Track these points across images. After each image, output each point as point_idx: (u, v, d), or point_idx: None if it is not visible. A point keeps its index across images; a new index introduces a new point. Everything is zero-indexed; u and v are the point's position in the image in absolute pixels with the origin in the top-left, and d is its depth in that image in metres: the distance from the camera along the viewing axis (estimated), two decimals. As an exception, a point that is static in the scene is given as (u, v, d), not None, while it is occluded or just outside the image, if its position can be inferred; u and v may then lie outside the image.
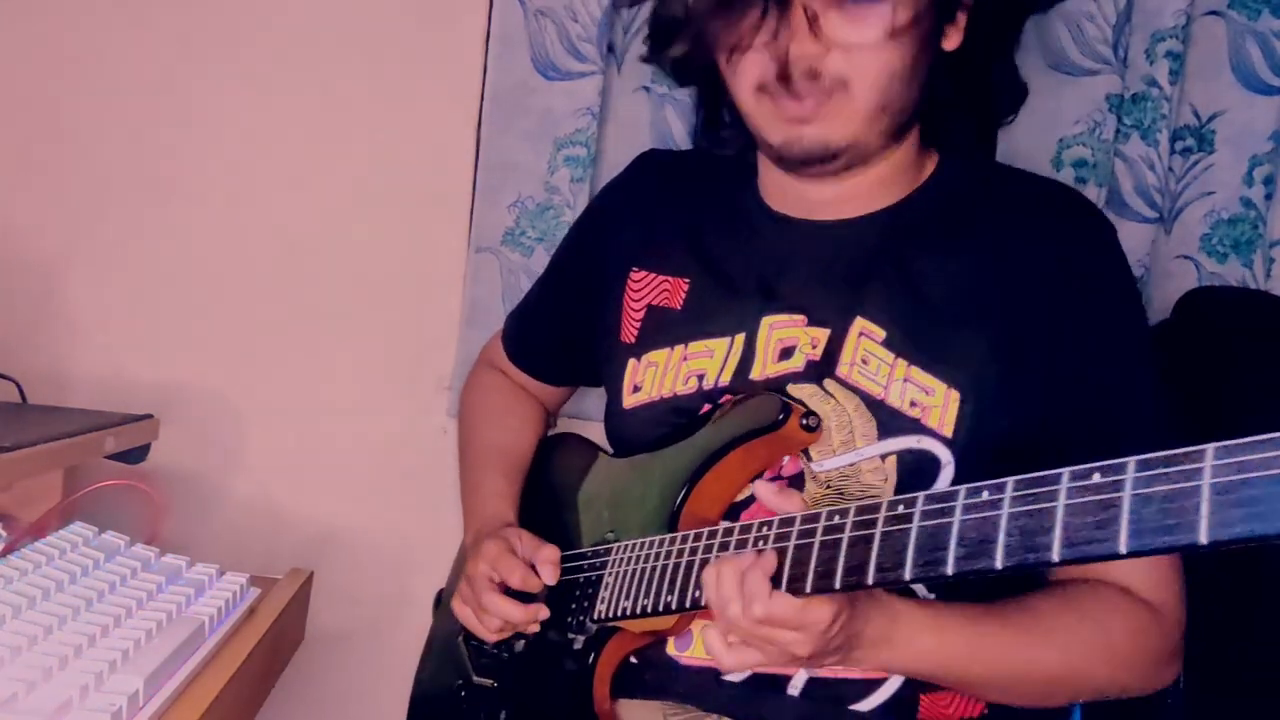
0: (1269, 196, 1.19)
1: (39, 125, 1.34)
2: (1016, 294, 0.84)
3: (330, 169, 1.34)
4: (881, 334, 0.85)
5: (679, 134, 1.25)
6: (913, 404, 0.83)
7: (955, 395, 0.82)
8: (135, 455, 1.19)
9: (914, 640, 0.75)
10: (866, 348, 0.85)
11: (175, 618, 0.83)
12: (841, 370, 0.85)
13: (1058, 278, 0.84)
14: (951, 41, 0.86)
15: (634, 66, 1.27)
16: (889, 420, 0.83)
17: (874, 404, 0.83)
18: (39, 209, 1.34)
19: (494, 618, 0.89)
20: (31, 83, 1.33)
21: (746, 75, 0.83)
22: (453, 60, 1.31)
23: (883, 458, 0.83)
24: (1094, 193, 1.22)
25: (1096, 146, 1.22)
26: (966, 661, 0.77)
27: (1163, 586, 0.82)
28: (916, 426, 0.82)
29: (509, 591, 0.89)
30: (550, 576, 0.88)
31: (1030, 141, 1.21)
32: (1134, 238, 1.19)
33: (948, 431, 0.82)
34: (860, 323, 0.86)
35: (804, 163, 0.85)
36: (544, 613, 0.88)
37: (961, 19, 0.85)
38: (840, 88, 0.80)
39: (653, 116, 1.27)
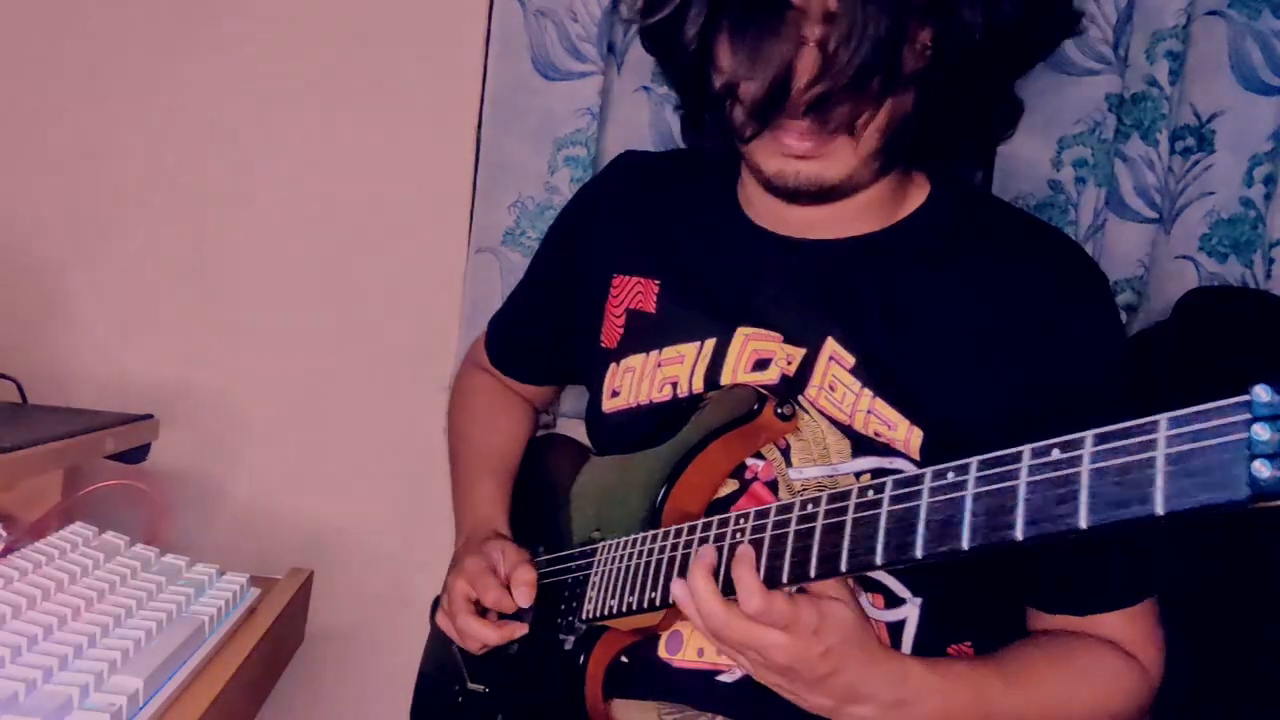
0: (1269, 196, 1.19)
1: (40, 126, 1.34)
2: (997, 338, 0.82)
3: (330, 169, 1.34)
4: (850, 360, 0.84)
5: (679, 134, 1.24)
6: (877, 434, 0.83)
7: (918, 432, 0.81)
8: (135, 455, 1.20)
9: (926, 702, 0.74)
10: (834, 373, 0.84)
11: (175, 618, 0.83)
12: (810, 393, 0.85)
13: (1046, 330, 0.82)
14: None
15: (634, 66, 1.27)
16: (859, 440, 0.83)
17: (843, 427, 0.84)
18: (40, 209, 1.34)
19: (469, 639, 0.90)
20: (33, 83, 1.33)
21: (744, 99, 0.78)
22: (453, 60, 1.31)
23: (857, 475, 0.83)
24: (1094, 193, 1.22)
25: (1096, 146, 1.22)
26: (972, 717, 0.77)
27: (1148, 641, 0.83)
28: (887, 449, 0.83)
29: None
30: (524, 599, 0.88)
31: (1030, 141, 1.21)
32: (1134, 238, 1.20)
33: (915, 455, 0.82)
34: (831, 344, 0.85)
35: (794, 195, 0.82)
36: (520, 631, 0.88)
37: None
38: (845, 130, 0.77)
39: (653, 116, 1.27)
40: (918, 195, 0.90)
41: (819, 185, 0.81)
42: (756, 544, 0.70)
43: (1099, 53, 1.20)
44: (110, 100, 1.33)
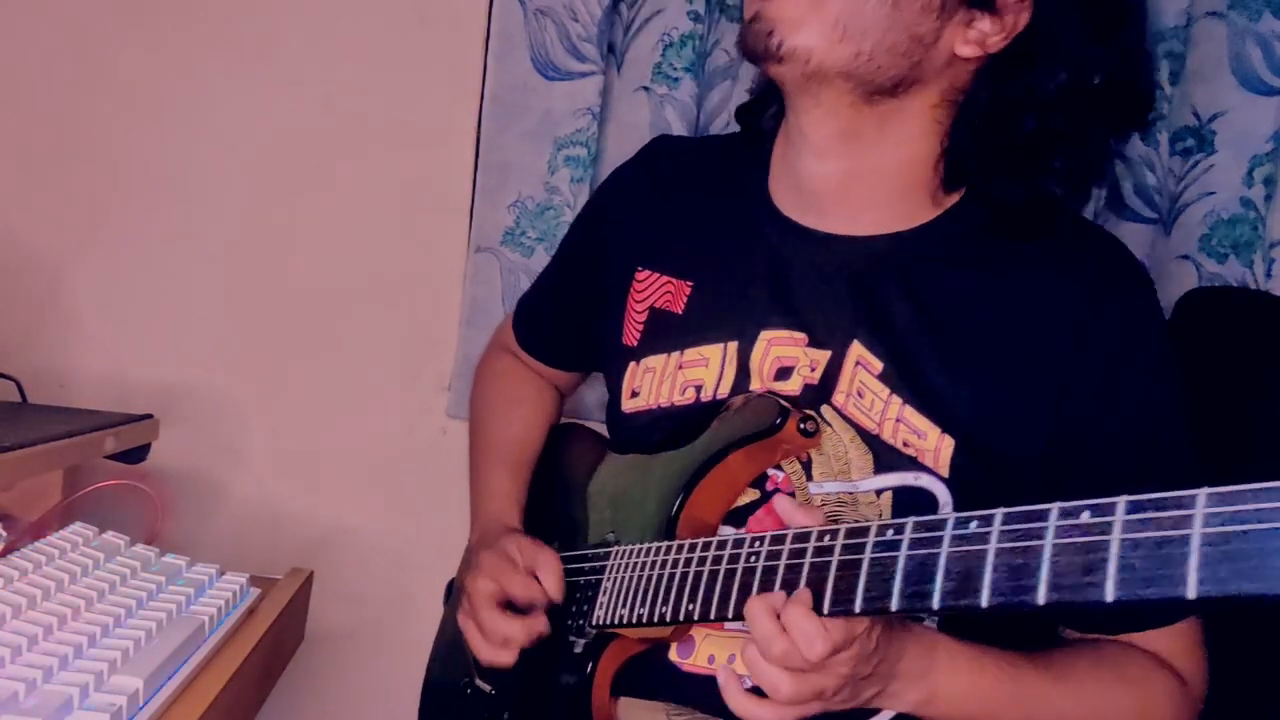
0: (1269, 197, 1.19)
1: (40, 125, 1.34)
2: (1033, 341, 0.79)
3: (331, 169, 1.34)
4: (878, 366, 0.81)
5: (678, 134, 1.25)
6: (905, 444, 0.80)
7: (949, 440, 0.78)
8: (135, 455, 1.19)
9: (953, 678, 0.72)
10: (862, 379, 0.82)
11: (175, 618, 0.83)
12: (837, 399, 0.82)
13: (1084, 333, 0.79)
14: (975, 44, 0.77)
15: (634, 66, 1.27)
16: (885, 455, 0.80)
17: (869, 438, 0.81)
18: (40, 209, 1.34)
19: (493, 636, 0.88)
20: (33, 83, 1.33)
21: None
22: (453, 60, 1.31)
23: (878, 493, 0.81)
24: (1094, 193, 1.22)
25: (1096, 147, 1.22)
26: (1003, 704, 0.74)
27: (1191, 656, 0.80)
28: (914, 464, 0.80)
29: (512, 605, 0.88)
30: (555, 589, 0.86)
31: (1030, 142, 1.21)
32: (1134, 238, 1.19)
33: (944, 472, 0.79)
34: (857, 348, 0.82)
35: (753, 55, 0.78)
36: (544, 627, 0.86)
37: (997, 24, 0.76)
38: None
39: (653, 117, 1.27)
40: (953, 192, 0.85)
41: (775, 37, 0.76)
42: (770, 570, 0.68)
43: (1099, 53, 1.20)
44: (109, 99, 1.33)
